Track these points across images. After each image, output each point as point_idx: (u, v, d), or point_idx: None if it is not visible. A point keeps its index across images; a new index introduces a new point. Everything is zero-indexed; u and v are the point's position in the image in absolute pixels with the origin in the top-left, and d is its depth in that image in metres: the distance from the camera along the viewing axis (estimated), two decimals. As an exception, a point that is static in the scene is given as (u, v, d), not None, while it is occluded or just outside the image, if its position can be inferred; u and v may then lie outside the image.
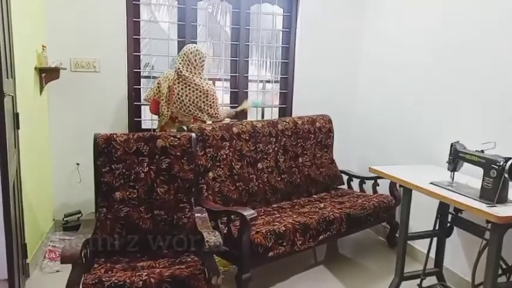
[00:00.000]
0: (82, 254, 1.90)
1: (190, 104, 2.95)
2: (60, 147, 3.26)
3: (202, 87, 2.97)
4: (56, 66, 2.98)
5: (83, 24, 3.15)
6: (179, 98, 2.94)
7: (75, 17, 3.13)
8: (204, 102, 2.97)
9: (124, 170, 2.30)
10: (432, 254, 2.66)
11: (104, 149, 2.29)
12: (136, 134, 2.37)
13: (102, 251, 2.18)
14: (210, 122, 3.02)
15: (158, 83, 3.05)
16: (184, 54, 2.97)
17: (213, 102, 3.03)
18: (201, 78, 3.01)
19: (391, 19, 3.42)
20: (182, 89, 2.94)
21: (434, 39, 2.91)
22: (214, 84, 3.88)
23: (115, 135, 2.31)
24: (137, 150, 2.32)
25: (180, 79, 2.94)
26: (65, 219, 3.26)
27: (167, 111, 2.99)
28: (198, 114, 2.98)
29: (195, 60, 2.97)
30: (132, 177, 2.31)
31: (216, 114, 3.05)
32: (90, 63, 3.21)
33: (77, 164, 3.28)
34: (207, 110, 3.00)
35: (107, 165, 2.29)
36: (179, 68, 2.95)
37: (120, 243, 2.23)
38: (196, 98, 2.95)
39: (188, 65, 2.96)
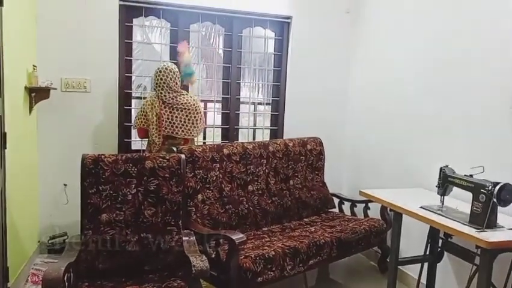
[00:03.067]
0: (65, 278, 1.85)
1: (182, 125, 2.95)
2: (48, 168, 3.21)
3: (189, 103, 2.98)
4: (47, 86, 2.97)
5: (75, 44, 3.17)
6: (170, 122, 2.93)
7: (67, 36, 3.14)
8: (194, 118, 3.00)
9: (111, 192, 2.27)
10: (424, 280, 2.63)
11: (92, 170, 2.26)
12: (125, 155, 2.34)
13: (86, 275, 2.12)
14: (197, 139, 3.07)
15: (143, 111, 2.98)
16: (162, 81, 2.93)
17: (201, 115, 3.06)
18: (182, 94, 3.00)
19: (381, 43, 3.47)
20: (170, 112, 2.93)
21: (423, 64, 2.95)
22: (205, 106, 3.91)
23: (103, 156, 2.29)
24: (125, 172, 2.30)
25: (165, 104, 2.93)
26: (50, 241, 3.18)
27: (159, 138, 2.94)
28: (188, 133, 2.98)
29: (174, 82, 2.96)
30: (119, 199, 2.27)
31: (202, 128, 3.12)
32: (81, 83, 3.21)
33: (65, 185, 3.23)
34: (197, 126, 3.03)
35: (94, 186, 2.25)
36: (162, 96, 2.93)
37: (105, 267, 2.18)
38: (187, 116, 2.96)
39: (168, 89, 2.94)
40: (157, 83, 2.96)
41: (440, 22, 2.79)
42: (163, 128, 2.93)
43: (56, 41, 3.13)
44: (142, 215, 2.28)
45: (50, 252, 3.15)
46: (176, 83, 2.99)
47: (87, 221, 2.24)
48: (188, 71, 3.19)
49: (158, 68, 2.99)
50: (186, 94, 3.04)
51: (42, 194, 3.23)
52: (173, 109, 2.94)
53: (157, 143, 2.94)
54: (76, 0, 3.15)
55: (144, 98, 3.31)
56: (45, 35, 3.10)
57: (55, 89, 3.08)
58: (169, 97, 2.94)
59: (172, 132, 2.94)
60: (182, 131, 2.96)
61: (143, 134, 3.04)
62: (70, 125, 3.23)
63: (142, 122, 2.99)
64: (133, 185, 2.30)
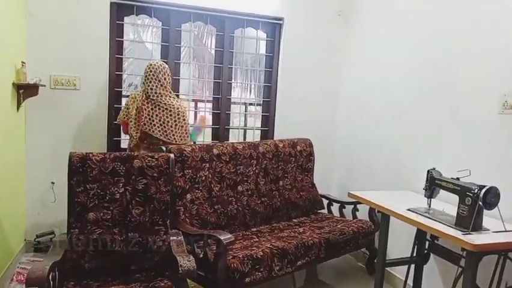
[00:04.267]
0: (50, 277, 1.83)
1: (160, 125, 2.85)
2: (36, 165, 3.18)
3: (173, 106, 2.89)
4: (35, 82, 2.94)
5: (65, 42, 3.14)
6: (149, 119, 2.84)
7: (57, 34, 3.12)
8: (175, 122, 2.89)
9: (98, 190, 2.25)
10: (410, 281, 2.65)
11: (79, 168, 2.23)
12: (113, 154, 2.33)
13: (72, 274, 2.10)
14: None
15: (126, 105, 2.96)
16: (152, 73, 2.86)
17: (184, 122, 2.94)
18: (170, 96, 2.93)
19: (372, 45, 3.50)
20: (152, 109, 2.85)
21: (414, 66, 2.98)
22: (196, 106, 3.89)
23: (90, 154, 2.27)
24: (113, 170, 2.28)
25: (149, 99, 2.85)
26: (36, 239, 3.15)
27: (137, 133, 2.86)
28: (165, 135, 2.87)
29: (164, 79, 2.90)
30: (107, 197, 2.25)
31: (185, 136, 2.95)
32: (70, 80, 3.18)
33: (53, 183, 3.20)
34: (177, 132, 2.90)
35: (82, 184, 2.23)
36: (148, 89, 2.85)
37: (91, 266, 2.16)
38: (167, 118, 2.86)
39: (157, 84, 2.86)
40: (146, 76, 2.87)
41: (430, 25, 2.82)
42: (142, 124, 2.84)
43: (46, 38, 3.10)
44: (129, 214, 2.26)
45: (37, 251, 3.12)
46: (166, 79, 2.92)
47: (74, 219, 2.21)
48: (193, 135, 3.26)
49: (151, 63, 2.92)
50: (173, 98, 2.96)
51: (30, 192, 3.20)
52: (155, 106, 2.85)
53: (135, 137, 2.87)
54: (68, -3, 3.13)
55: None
56: (35, 32, 3.06)
57: (44, 86, 3.05)
58: (155, 93, 2.85)
59: (150, 130, 2.84)
60: (159, 131, 2.85)
61: (126, 129, 2.99)
62: (58, 123, 3.20)
63: (124, 115, 2.96)
64: (121, 184, 2.28)
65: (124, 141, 3.44)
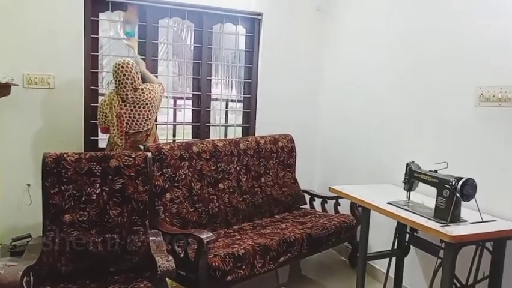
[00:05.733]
0: (24, 282, 1.77)
1: (145, 120, 2.91)
2: (10, 167, 3.08)
3: (150, 97, 2.90)
4: (7, 82, 2.84)
5: (38, 40, 3.04)
6: (133, 120, 2.85)
7: (29, 32, 3.02)
8: (154, 108, 2.96)
9: (74, 192, 2.19)
10: (392, 273, 2.67)
11: (54, 169, 2.17)
12: (88, 154, 2.27)
13: (48, 278, 2.05)
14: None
15: (103, 112, 2.87)
16: (123, 75, 2.79)
17: (160, 100, 3.04)
18: (143, 91, 2.87)
19: (352, 41, 3.50)
20: (132, 110, 2.84)
21: (393, 62, 2.99)
22: (175, 103, 3.84)
23: (65, 155, 2.21)
24: (89, 171, 2.22)
25: (126, 101, 2.82)
26: (12, 243, 3.06)
27: (121, 140, 2.83)
28: (151, 123, 2.97)
29: (133, 78, 2.82)
30: (83, 198, 2.20)
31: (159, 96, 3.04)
32: (44, 79, 3.09)
33: (28, 185, 3.12)
34: (157, 112, 3.04)
35: (56, 186, 2.17)
36: (122, 94, 2.81)
37: (68, 269, 2.11)
38: (149, 110, 2.91)
39: (129, 88, 2.81)
40: (119, 80, 2.80)
41: (410, 23, 2.83)
42: (128, 127, 2.84)
43: (18, 35, 3.00)
44: (107, 215, 2.22)
45: (13, 255, 3.03)
46: (139, 78, 2.88)
47: (49, 222, 2.16)
48: (130, 30, 3.22)
49: (119, 64, 2.82)
50: (145, 87, 2.91)
51: (4, 195, 3.09)
52: (134, 106, 2.83)
53: (120, 144, 2.82)
54: (39, -7, 3.03)
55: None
56: (5, 30, 2.96)
57: (17, 85, 2.95)
58: (131, 96, 2.82)
59: (137, 129, 2.88)
60: (146, 122, 2.92)
61: (106, 130, 2.95)
62: (33, 123, 3.11)
63: (102, 121, 2.91)
64: (97, 185, 2.23)
65: (102, 141, 3.36)
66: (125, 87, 2.80)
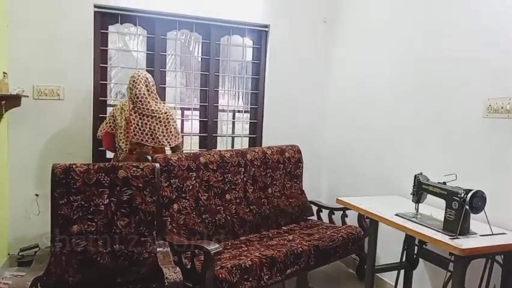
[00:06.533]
0: (32, 293, 1.78)
1: (152, 133, 2.86)
2: (19, 178, 3.12)
3: (160, 111, 2.88)
4: (18, 93, 2.88)
5: (48, 52, 3.10)
6: (140, 129, 2.85)
7: (40, 43, 3.07)
8: (165, 127, 2.89)
9: (82, 202, 2.20)
10: (401, 286, 2.64)
11: (62, 180, 2.19)
12: (97, 165, 2.28)
13: (55, 289, 2.05)
14: (169, 149, 2.98)
15: (112, 116, 2.92)
16: (137, 82, 2.85)
17: (174, 127, 2.95)
18: (156, 102, 2.92)
19: (358, 52, 3.51)
20: (140, 118, 2.85)
21: (400, 72, 2.99)
22: (183, 114, 3.86)
23: (74, 166, 2.23)
24: (98, 181, 2.24)
25: (136, 108, 2.84)
26: (20, 253, 3.07)
27: (126, 144, 2.86)
28: (157, 141, 2.88)
29: (147, 85, 2.89)
30: (91, 209, 2.21)
31: (176, 138, 2.97)
32: (54, 90, 3.14)
33: (37, 195, 3.14)
34: (168, 136, 2.91)
35: (65, 196, 2.19)
36: (134, 97, 2.84)
37: (75, 280, 2.11)
38: (157, 124, 2.87)
39: (143, 92, 2.85)
40: (131, 86, 2.87)
41: (414, 32, 2.84)
42: (132, 134, 2.84)
43: (29, 48, 3.05)
44: (114, 226, 2.22)
45: (21, 265, 3.04)
46: (153, 91, 2.92)
47: (57, 232, 2.17)
48: None
49: (134, 73, 2.92)
50: (160, 102, 2.97)
51: (13, 205, 3.13)
52: (143, 116, 2.85)
53: (124, 149, 2.85)
54: (50, 6, 3.08)
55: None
56: (17, 42, 3.02)
57: (27, 96, 3.00)
58: (141, 100, 2.84)
59: (142, 140, 2.85)
60: (153, 139, 2.87)
61: (108, 142, 2.96)
62: (42, 134, 3.15)
63: (109, 126, 2.93)
64: (106, 195, 2.24)
65: (110, 152, 3.38)
66: (135, 89, 2.84)
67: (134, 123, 2.84)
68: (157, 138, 2.88)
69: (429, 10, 2.70)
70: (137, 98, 2.84)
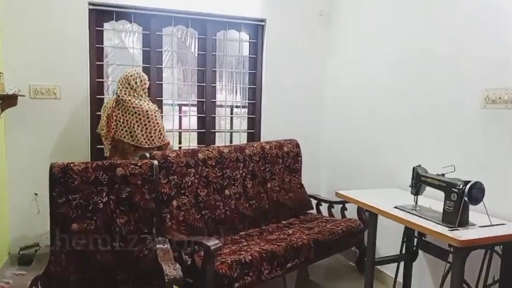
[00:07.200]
0: (32, 292, 1.78)
1: (128, 129, 2.83)
2: (17, 177, 3.12)
3: (141, 108, 2.84)
4: (14, 93, 2.88)
5: (44, 51, 3.09)
6: (120, 125, 2.84)
7: (35, 42, 3.06)
8: (144, 125, 2.83)
9: (81, 201, 2.21)
10: (401, 278, 2.65)
11: (61, 179, 2.19)
12: (95, 163, 2.28)
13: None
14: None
15: (101, 114, 2.96)
16: (124, 78, 2.89)
17: (156, 127, 2.87)
18: (140, 100, 2.90)
19: (355, 44, 3.50)
20: (122, 115, 2.84)
21: (397, 64, 2.98)
22: (180, 110, 3.85)
23: (72, 164, 2.22)
24: (96, 180, 2.24)
25: (119, 105, 2.85)
26: (21, 252, 3.08)
27: (107, 142, 2.90)
28: (137, 141, 2.83)
29: (135, 83, 2.89)
30: (90, 207, 2.22)
31: (158, 140, 2.90)
32: (50, 89, 3.12)
33: (36, 194, 3.14)
34: (145, 134, 2.84)
35: (64, 195, 2.19)
36: (117, 93, 2.86)
37: (76, 278, 2.12)
38: (133, 120, 2.82)
39: (127, 88, 2.87)
40: (120, 83, 2.90)
41: (411, 23, 2.83)
42: (112, 130, 2.84)
43: (24, 47, 3.04)
44: (114, 224, 2.23)
45: (21, 264, 3.05)
46: (139, 87, 2.91)
47: (57, 231, 2.17)
48: None
49: (127, 71, 2.94)
50: (145, 101, 2.92)
51: (13, 204, 3.13)
52: (125, 112, 2.84)
53: (106, 145, 2.91)
54: (44, 5, 3.06)
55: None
56: (11, 41, 3.00)
57: (23, 96, 2.99)
58: (125, 94, 2.85)
59: (120, 136, 2.85)
60: (131, 136, 2.83)
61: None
62: (40, 133, 3.14)
63: (100, 126, 3.01)
64: (104, 193, 2.24)
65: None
66: (120, 87, 2.88)
67: (114, 119, 2.83)
68: (136, 136, 2.83)
69: (429, 4, 2.68)
70: (121, 92, 2.87)
